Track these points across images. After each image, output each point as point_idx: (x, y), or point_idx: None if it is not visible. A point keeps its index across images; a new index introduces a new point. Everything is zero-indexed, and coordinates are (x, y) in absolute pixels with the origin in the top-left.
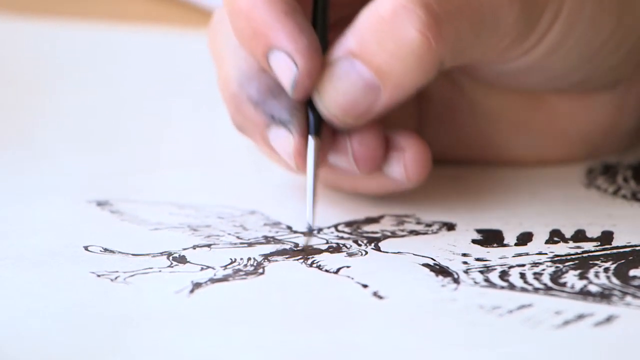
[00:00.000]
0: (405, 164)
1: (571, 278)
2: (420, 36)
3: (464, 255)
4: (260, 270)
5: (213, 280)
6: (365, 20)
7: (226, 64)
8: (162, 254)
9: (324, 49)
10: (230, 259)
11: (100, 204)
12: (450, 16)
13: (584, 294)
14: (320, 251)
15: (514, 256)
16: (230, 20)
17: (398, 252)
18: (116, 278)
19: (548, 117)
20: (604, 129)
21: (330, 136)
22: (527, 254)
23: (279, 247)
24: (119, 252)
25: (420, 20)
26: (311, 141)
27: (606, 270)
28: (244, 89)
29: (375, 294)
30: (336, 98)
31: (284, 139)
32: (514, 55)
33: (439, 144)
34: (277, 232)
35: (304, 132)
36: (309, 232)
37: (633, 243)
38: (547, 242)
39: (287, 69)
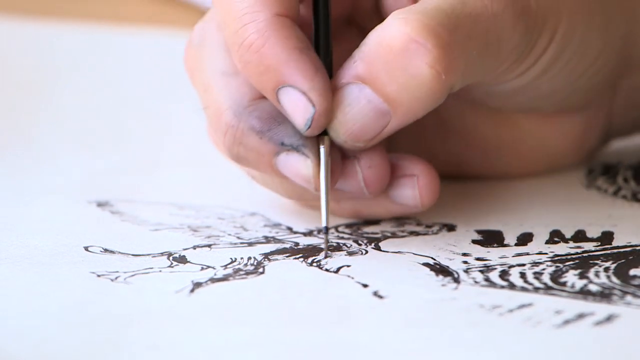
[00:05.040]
0: (420, 190)
1: (571, 277)
2: (431, 70)
3: (464, 254)
4: (261, 270)
5: (213, 280)
6: (374, 48)
7: (214, 93)
8: (162, 254)
9: (329, 72)
10: (231, 259)
11: (100, 204)
12: (459, 45)
13: (584, 293)
14: (319, 250)
15: (514, 256)
16: (238, 53)
17: (398, 252)
18: (116, 278)
19: (516, 136)
20: (570, 148)
21: (339, 161)
22: (527, 254)
23: (279, 246)
24: (119, 252)
25: (431, 54)
26: (326, 140)
27: (606, 269)
28: (243, 119)
29: (375, 293)
30: (346, 125)
31: (298, 163)
32: (509, 77)
33: None
34: (277, 232)
35: (318, 154)
36: (325, 232)
37: (633, 243)
38: (547, 242)
39: (301, 107)
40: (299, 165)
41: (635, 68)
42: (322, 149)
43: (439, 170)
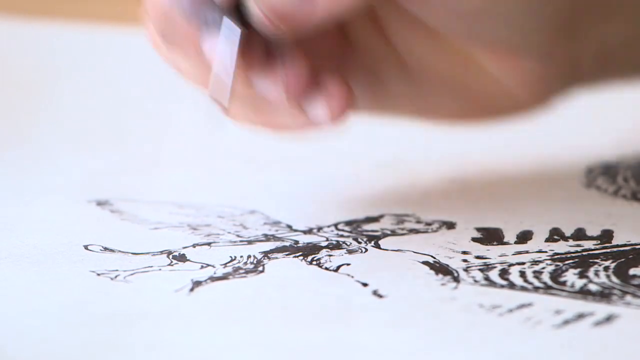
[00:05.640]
0: (332, 104)
1: (571, 277)
2: None
3: (464, 253)
4: (260, 268)
5: (213, 279)
6: None
7: None
8: (162, 252)
9: None
10: (230, 257)
11: (100, 203)
12: None
13: (583, 293)
14: (319, 248)
15: (513, 254)
16: None
17: (398, 250)
18: (116, 277)
19: (476, 77)
20: (529, 92)
21: (262, 59)
22: (527, 252)
23: (279, 244)
24: (119, 251)
25: None
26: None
27: (606, 269)
28: (175, 1)
29: (375, 292)
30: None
31: (217, 42)
32: None
33: (364, 97)
34: (276, 230)
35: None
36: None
37: (633, 242)
38: (547, 240)
39: None
40: (218, 45)
41: (607, 16)
42: (225, 20)
43: (397, 110)
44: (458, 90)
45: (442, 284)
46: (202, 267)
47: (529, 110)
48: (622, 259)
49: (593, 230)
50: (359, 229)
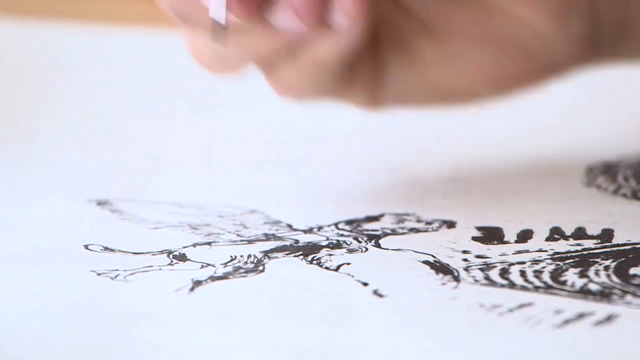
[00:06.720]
0: (346, 5)
1: (571, 276)
2: None
3: (465, 252)
4: (261, 268)
5: (213, 278)
6: None
7: None
8: (162, 252)
9: None
10: (231, 256)
11: (100, 203)
12: None
13: (584, 292)
14: (319, 248)
15: (514, 253)
16: None
17: (398, 249)
18: (116, 276)
19: (500, 20)
20: (552, 28)
21: None
22: (527, 251)
23: (279, 243)
24: (119, 250)
25: None
26: None
27: (606, 268)
28: None
29: (375, 292)
30: None
31: None
32: None
33: (401, 74)
34: (277, 229)
35: None
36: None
37: (633, 241)
38: (547, 239)
39: None
40: None
41: None
42: None
43: (443, 91)
44: (486, 40)
45: (443, 284)
46: (202, 266)
47: (566, 58)
48: (622, 259)
49: (593, 230)
50: (359, 228)
